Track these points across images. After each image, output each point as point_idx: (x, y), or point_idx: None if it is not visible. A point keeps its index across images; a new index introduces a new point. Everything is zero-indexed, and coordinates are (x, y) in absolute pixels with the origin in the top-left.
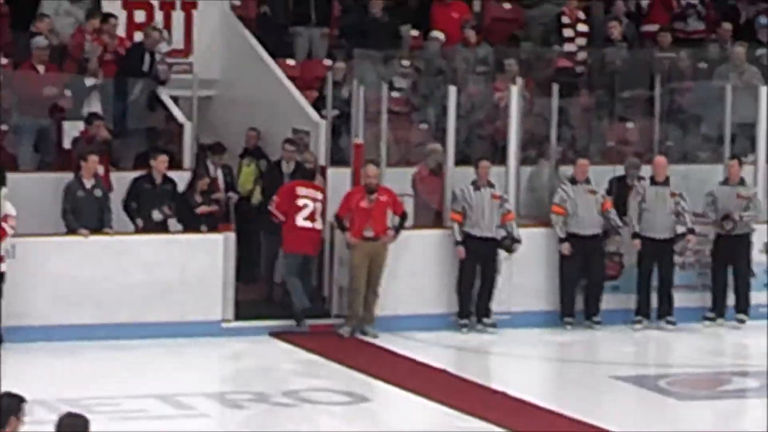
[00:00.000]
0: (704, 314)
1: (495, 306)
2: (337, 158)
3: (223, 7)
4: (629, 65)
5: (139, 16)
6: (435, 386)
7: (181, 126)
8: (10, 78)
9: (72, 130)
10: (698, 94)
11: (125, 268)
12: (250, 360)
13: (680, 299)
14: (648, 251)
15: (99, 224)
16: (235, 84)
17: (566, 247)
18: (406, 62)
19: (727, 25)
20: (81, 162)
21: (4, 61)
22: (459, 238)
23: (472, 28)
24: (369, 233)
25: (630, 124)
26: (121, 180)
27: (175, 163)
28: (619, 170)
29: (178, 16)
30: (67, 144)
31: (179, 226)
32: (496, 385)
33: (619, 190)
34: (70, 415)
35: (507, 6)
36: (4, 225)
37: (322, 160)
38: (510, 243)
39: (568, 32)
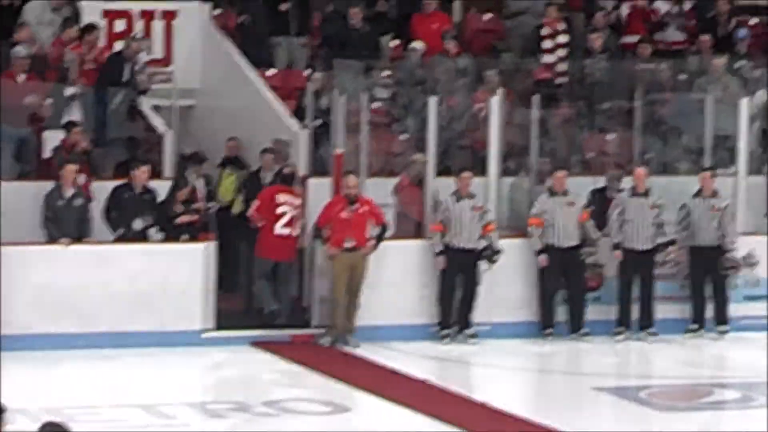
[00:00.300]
0: (686, 326)
1: (476, 317)
2: (318, 168)
3: (204, 16)
4: (609, 76)
5: (120, 25)
6: (416, 397)
7: (161, 135)
8: None
9: (52, 139)
10: (678, 106)
11: (106, 277)
12: (230, 370)
13: (661, 310)
14: (629, 262)
15: (79, 233)
16: (216, 94)
17: (543, 259)
18: (386, 73)
19: (706, 37)
20: (60, 171)
21: None
22: (439, 248)
23: (453, 39)
24: (349, 244)
25: (610, 136)
26: (102, 189)
27: (156, 173)
28: (600, 181)
29: (158, 26)
30: (47, 153)
31: (160, 236)
32: (477, 396)
33: (600, 202)
34: (50, 424)
35: (487, 17)
36: None
37: (302, 170)
38: (491, 254)
39: (548, 43)
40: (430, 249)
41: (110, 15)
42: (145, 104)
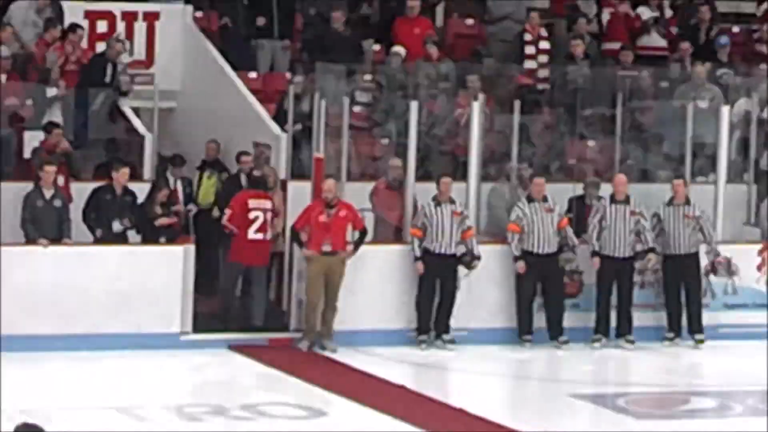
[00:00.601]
0: (664, 334)
1: (454, 322)
2: (298, 172)
3: (186, 18)
4: (591, 83)
5: (102, 26)
6: (393, 402)
7: (142, 137)
8: None
9: (32, 140)
10: (659, 113)
11: (84, 278)
12: (208, 373)
13: (639, 318)
14: (607, 270)
15: (58, 234)
16: (197, 96)
17: (521, 266)
18: (368, 77)
19: (687, 44)
20: (40, 172)
21: None
22: (418, 253)
23: (435, 44)
24: (327, 247)
25: (591, 142)
26: (81, 190)
27: (136, 175)
28: (580, 188)
29: (140, 27)
30: (27, 154)
31: (138, 238)
32: (454, 402)
33: (578, 209)
34: (25, 425)
35: (469, 22)
36: None
37: (282, 174)
38: (470, 260)
39: (530, 49)
40: (409, 254)
41: (92, 16)
42: (126, 106)
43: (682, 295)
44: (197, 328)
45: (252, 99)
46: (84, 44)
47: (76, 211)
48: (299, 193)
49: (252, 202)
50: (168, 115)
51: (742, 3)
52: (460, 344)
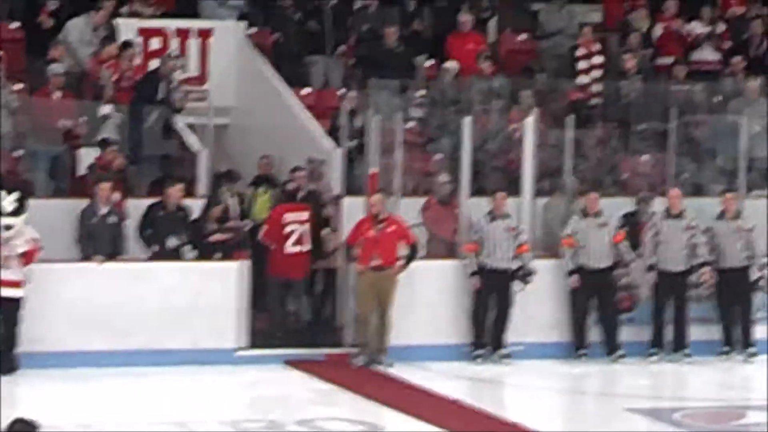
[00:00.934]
0: (720, 348)
1: (509, 337)
2: (352, 188)
3: (239, 35)
4: (644, 98)
5: (155, 43)
6: (449, 416)
7: (195, 153)
8: (25, 104)
9: (87, 156)
10: (713, 128)
11: (139, 295)
12: (264, 388)
13: (695, 332)
14: (663, 284)
15: (113, 251)
16: (251, 112)
17: (574, 280)
18: (421, 92)
19: (739, 59)
20: (95, 189)
21: (20, 86)
22: (474, 268)
23: (488, 59)
24: (376, 262)
25: (644, 157)
26: (136, 207)
27: (190, 191)
28: (633, 203)
29: (193, 44)
30: (81, 171)
31: (193, 254)
32: (510, 417)
33: (632, 224)
34: (20, 422)
35: (522, 37)
36: (30, 248)
37: (337, 189)
38: (524, 274)
39: (582, 64)
40: (463, 269)
41: (146, 33)
42: (180, 122)
43: (736, 309)
44: (253, 344)
45: (305, 115)
46: (138, 61)
47: (130, 228)
48: (354, 209)
49: (288, 216)
50: (222, 132)
51: None
52: (516, 359)
